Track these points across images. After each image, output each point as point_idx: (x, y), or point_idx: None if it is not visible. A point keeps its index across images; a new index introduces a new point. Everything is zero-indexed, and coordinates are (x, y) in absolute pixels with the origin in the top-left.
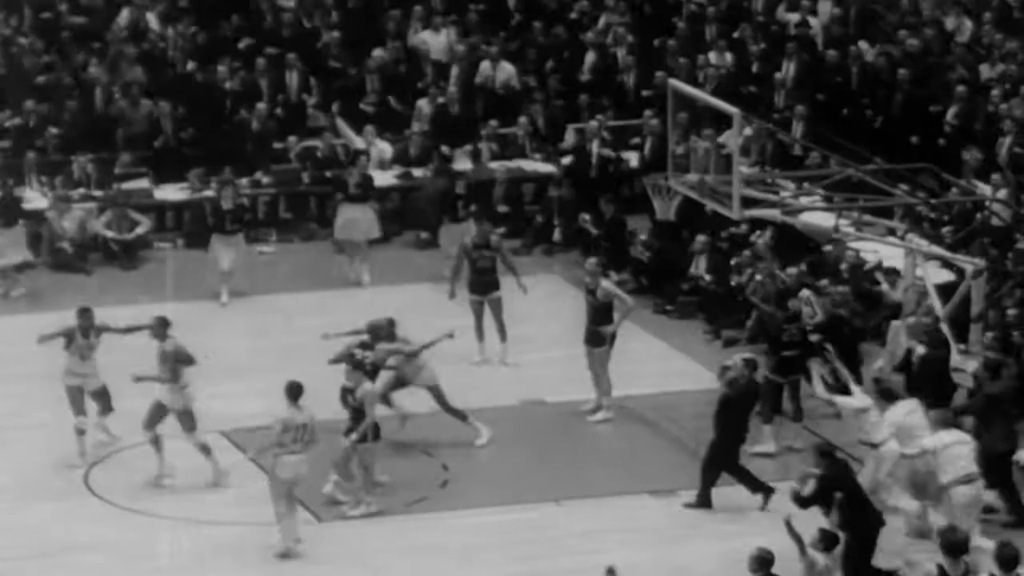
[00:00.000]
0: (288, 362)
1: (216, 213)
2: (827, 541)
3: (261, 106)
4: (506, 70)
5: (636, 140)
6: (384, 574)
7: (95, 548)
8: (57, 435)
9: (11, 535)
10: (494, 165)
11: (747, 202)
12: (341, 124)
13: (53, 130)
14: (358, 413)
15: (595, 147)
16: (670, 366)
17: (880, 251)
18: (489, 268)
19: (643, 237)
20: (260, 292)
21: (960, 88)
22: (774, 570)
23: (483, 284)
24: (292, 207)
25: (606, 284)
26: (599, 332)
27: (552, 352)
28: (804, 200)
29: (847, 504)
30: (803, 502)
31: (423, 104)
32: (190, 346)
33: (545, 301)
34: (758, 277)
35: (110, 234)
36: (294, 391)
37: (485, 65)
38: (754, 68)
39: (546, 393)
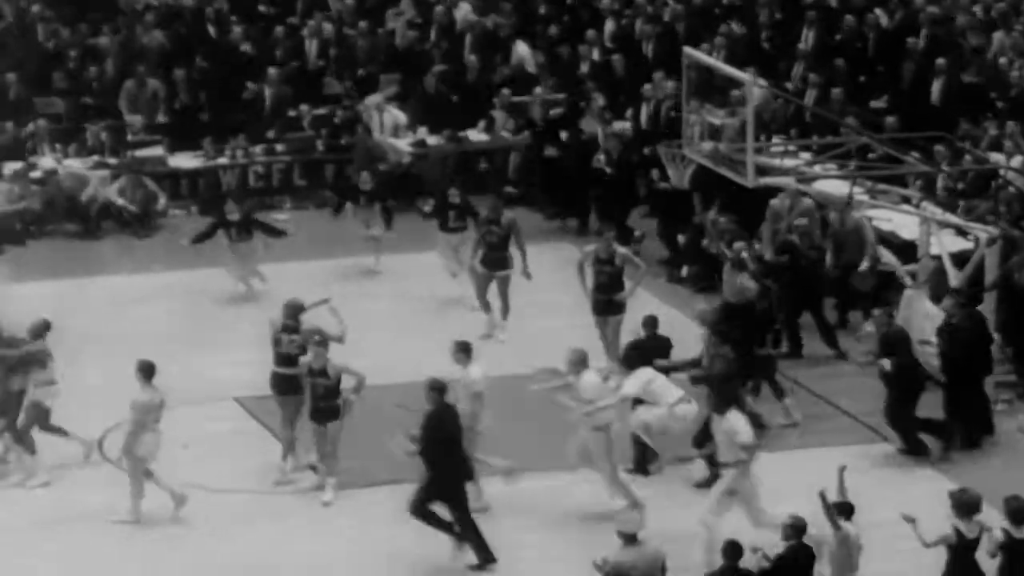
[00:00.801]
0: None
1: (224, 223)
2: (846, 512)
3: (273, 72)
4: (520, 50)
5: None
6: (395, 542)
7: (108, 515)
8: (73, 401)
9: (23, 502)
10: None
11: (761, 170)
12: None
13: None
14: (332, 392)
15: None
16: (687, 334)
17: (894, 219)
18: (498, 244)
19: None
20: (275, 260)
21: (940, 61)
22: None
23: (492, 260)
24: (306, 174)
25: (623, 250)
26: (615, 300)
27: (566, 321)
28: (818, 168)
29: (441, 446)
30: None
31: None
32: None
33: (559, 270)
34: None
35: (121, 202)
36: (148, 371)
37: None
38: (767, 35)
39: (561, 362)
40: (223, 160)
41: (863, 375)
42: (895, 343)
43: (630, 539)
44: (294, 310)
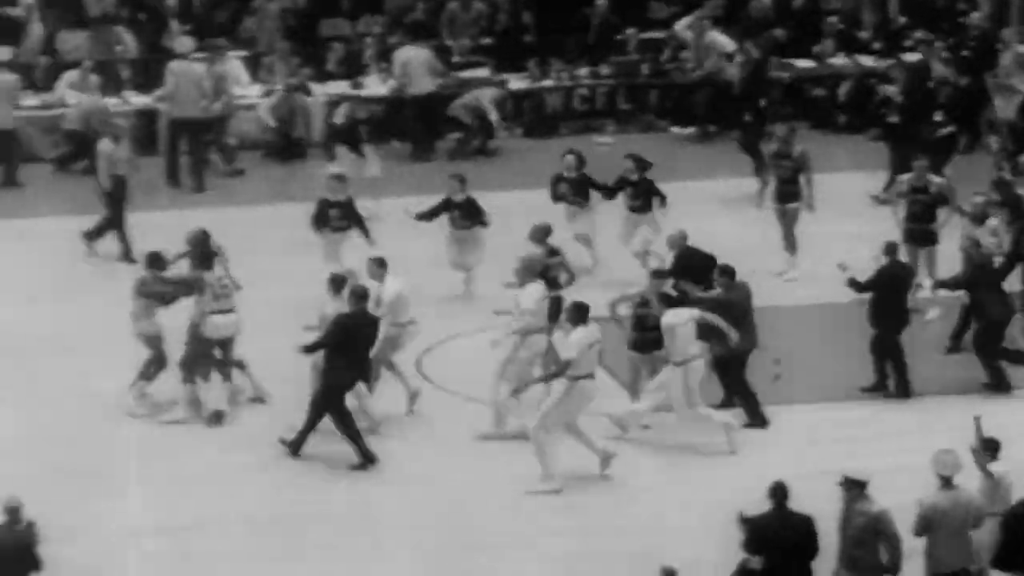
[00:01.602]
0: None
1: (448, 205)
2: (992, 449)
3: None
4: None
5: None
6: (719, 467)
7: (426, 437)
8: None
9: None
10: (839, 61)
11: None
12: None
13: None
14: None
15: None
16: None
17: None
18: (789, 177)
19: None
20: None
21: None
22: None
23: (783, 193)
24: (631, 99)
25: (938, 180)
26: (930, 230)
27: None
28: None
29: (347, 346)
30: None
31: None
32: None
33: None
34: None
35: (495, 116)
36: (338, 283)
37: None
38: None
39: None
40: (548, 82)
41: None
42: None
43: (946, 482)
44: (544, 232)
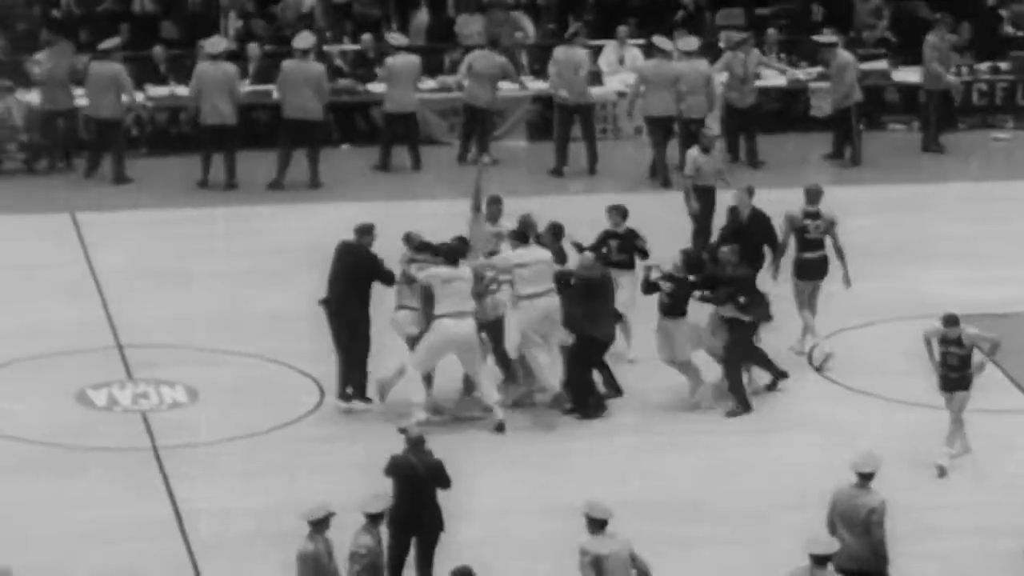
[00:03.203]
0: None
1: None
2: None
3: None
4: None
5: None
6: None
7: (812, 426)
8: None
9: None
10: None
11: None
12: None
13: None
14: (964, 361)
15: None
16: None
17: None
18: None
19: None
20: (992, 178)
21: None
22: None
23: None
24: None
25: None
26: None
27: None
28: None
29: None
30: None
31: None
32: None
33: None
34: None
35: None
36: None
37: None
38: None
39: None
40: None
41: None
42: None
43: None
44: (816, 196)
